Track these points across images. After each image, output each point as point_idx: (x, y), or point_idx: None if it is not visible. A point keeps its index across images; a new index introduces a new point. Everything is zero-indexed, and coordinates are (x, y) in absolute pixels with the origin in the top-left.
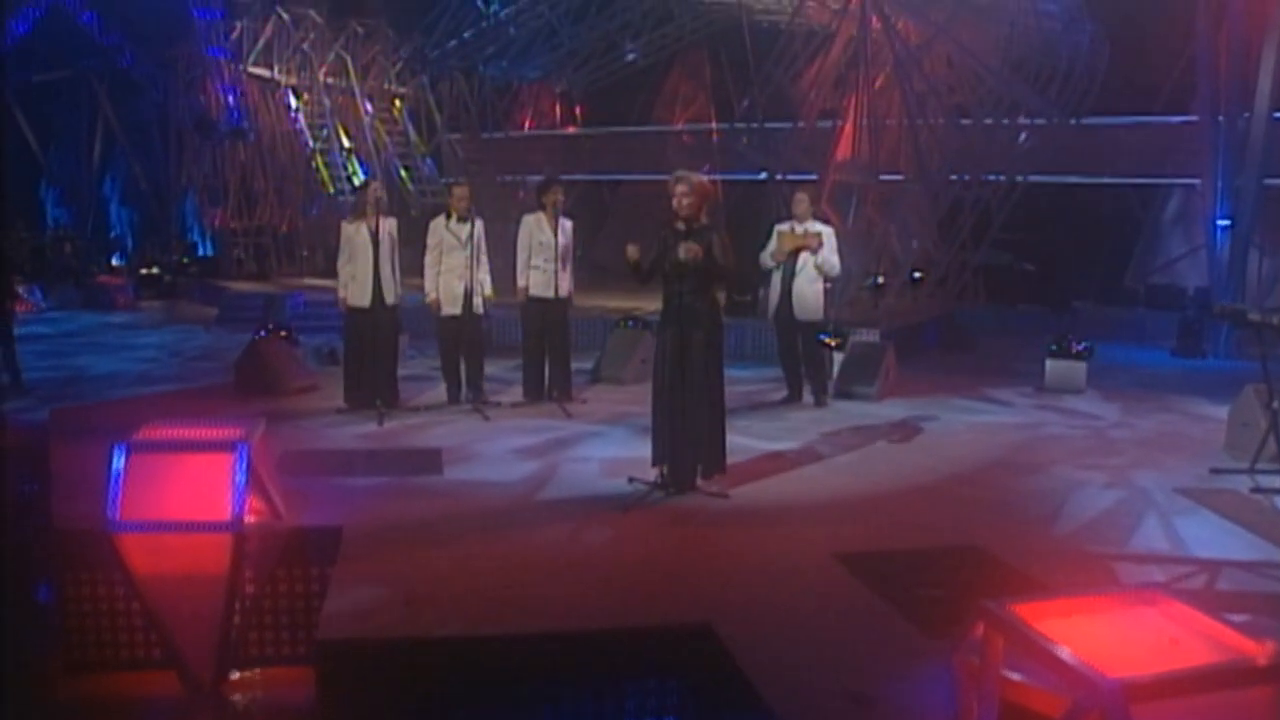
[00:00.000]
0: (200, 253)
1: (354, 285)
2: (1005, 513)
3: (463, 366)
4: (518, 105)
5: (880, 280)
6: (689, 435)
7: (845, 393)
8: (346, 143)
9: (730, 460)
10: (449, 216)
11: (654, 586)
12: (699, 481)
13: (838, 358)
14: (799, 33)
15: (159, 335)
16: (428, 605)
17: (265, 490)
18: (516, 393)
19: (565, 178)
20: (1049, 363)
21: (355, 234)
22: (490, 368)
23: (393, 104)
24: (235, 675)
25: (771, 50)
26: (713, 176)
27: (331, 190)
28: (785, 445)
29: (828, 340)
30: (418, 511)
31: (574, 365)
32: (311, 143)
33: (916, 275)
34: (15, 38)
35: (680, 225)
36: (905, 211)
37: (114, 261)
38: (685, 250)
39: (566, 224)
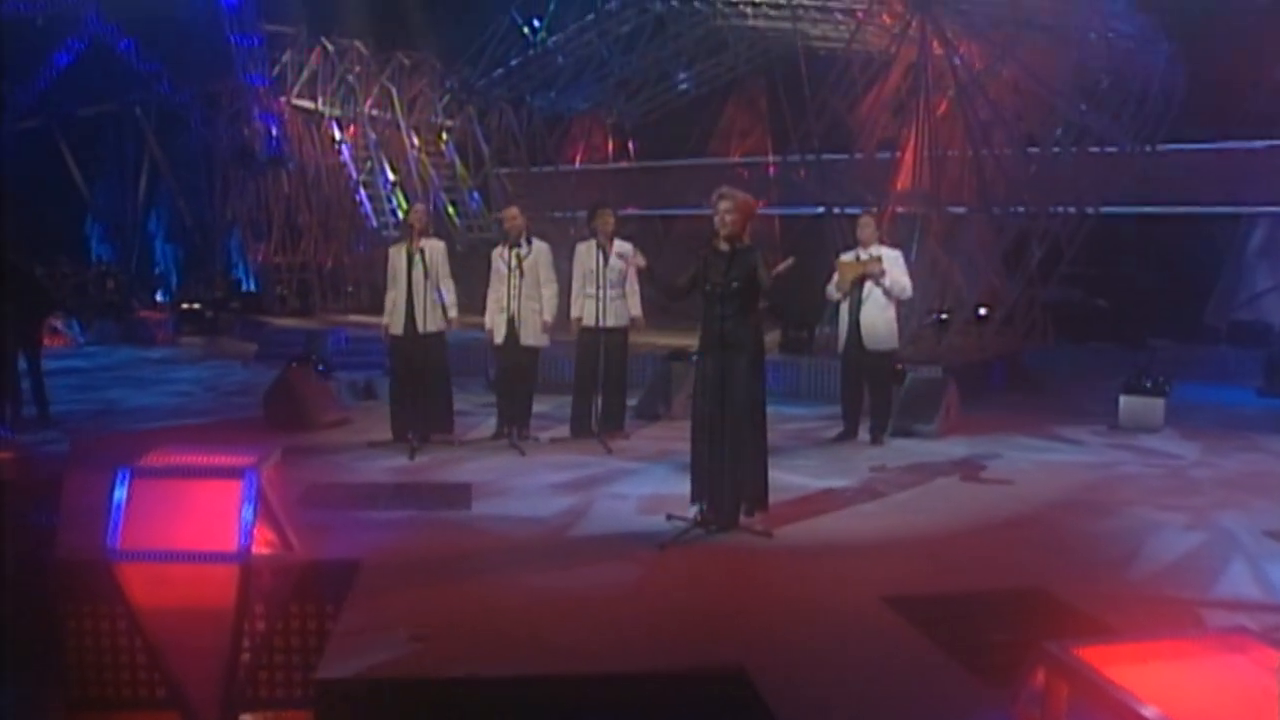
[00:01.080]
0: (244, 289)
1: (394, 312)
2: (1075, 554)
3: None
4: (569, 139)
5: (943, 317)
6: (730, 469)
7: (904, 430)
8: (392, 176)
9: (776, 498)
10: (503, 242)
11: (686, 627)
12: (741, 519)
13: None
14: (856, 59)
15: (196, 370)
16: (440, 643)
17: (277, 520)
18: (564, 430)
19: (619, 213)
20: (1123, 399)
21: (397, 257)
22: (545, 404)
23: (439, 137)
24: (244, 718)
25: (829, 78)
26: (771, 210)
27: (376, 224)
28: (836, 482)
29: (899, 368)
30: (440, 546)
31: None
32: (356, 175)
33: (981, 312)
34: (58, 70)
35: (723, 245)
36: (969, 245)
37: (158, 298)
38: (783, 268)
39: (623, 247)
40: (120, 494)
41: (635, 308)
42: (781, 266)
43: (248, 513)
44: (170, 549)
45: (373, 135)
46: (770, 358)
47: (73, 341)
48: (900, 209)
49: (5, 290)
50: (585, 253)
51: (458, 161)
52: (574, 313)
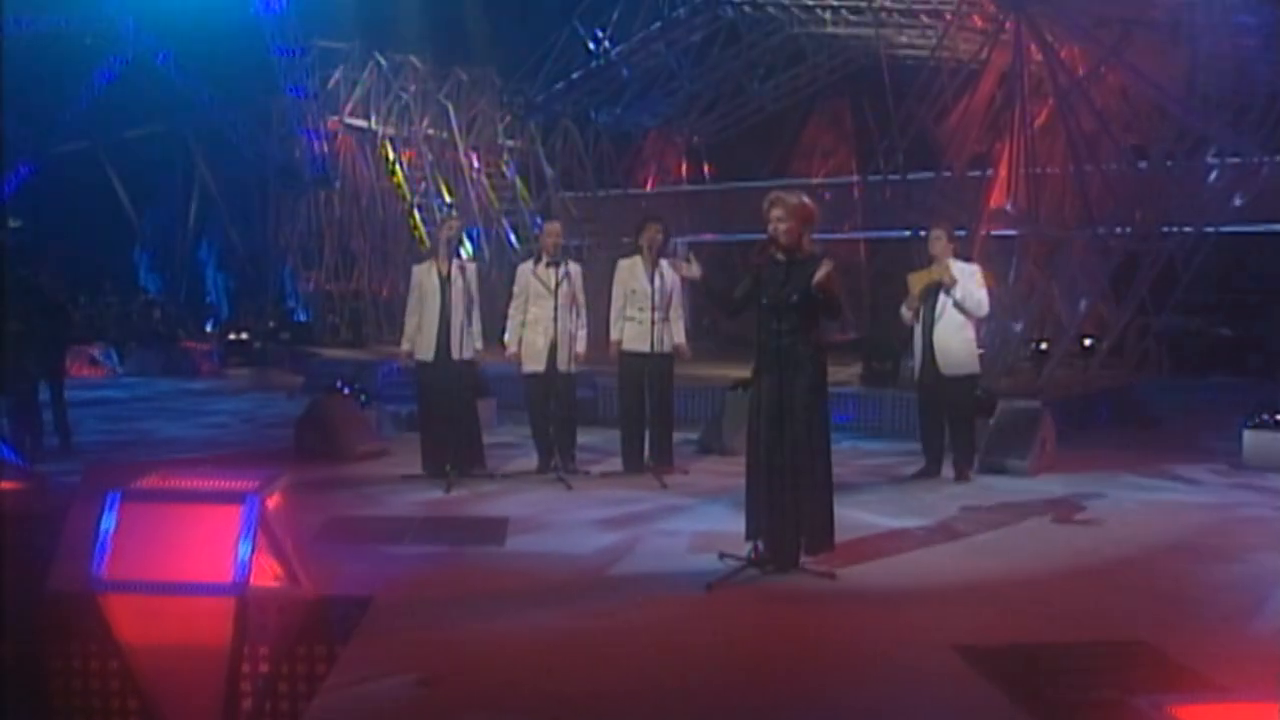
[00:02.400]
0: (297, 319)
1: (420, 336)
2: (1185, 605)
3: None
4: (640, 161)
5: (1043, 347)
6: (789, 503)
7: (992, 466)
8: (448, 198)
9: (844, 537)
10: (538, 260)
11: (728, 677)
12: (802, 559)
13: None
14: (944, 67)
15: (237, 402)
16: (446, 690)
17: (282, 552)
18: (616, 463)
19: (692, 239)
20: (1248, 434)
21: (425, 277)
22: (593, 436)
23: (500, 159)
24: None
25: (914, 89)
26: (856, 235)
27: (426, 248)
28: (913, 522)
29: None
30: (463, 584)
31: (681, 435)
32: (409, 197)
33: (1086, 342)
34: (100, 88)
35: (779, 255)
36: (1071, 269)
37: (208, 328)
38: (824, 275)
39: (668, 266)
40: (109, 520)
41: (680, 334)
42: (821, 273)
43: (246, 542)
44: (161, 580)
45: (429, 155)
46: (851, 390)
47: (110, 372)
48: (994, 230)
49: (29, 318)
50: (629, 270)
51: (519, 184)
52: (613, 335)
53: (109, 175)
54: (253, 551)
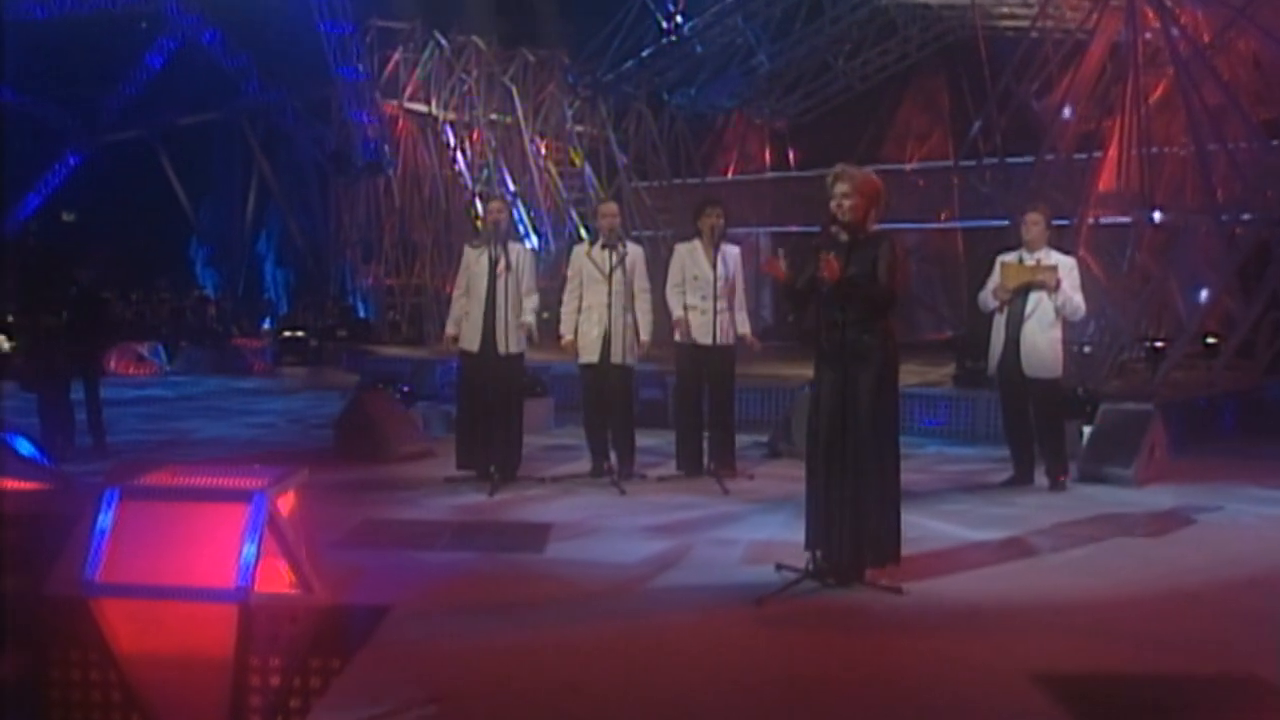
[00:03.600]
0: (360, 315)
1: (466, 324)
2: None
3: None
4: (720, 147)
5: (1158, 345)
6: (851, 509)
7: (1092, 474)
8: (513, 187)
9: (917, 549)
10: (594, 241)
11: (769, 704)
12: (867, 573)
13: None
14: (1047, 37)
15: (287, 402)
16: (459, 710)
17: (293, 555)
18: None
19: (775, 229)
20: None
21: (474, 261)
22: (659, 439)
23: (568, 144)
24: None
25: (1013, 62)
26: (954, 224)
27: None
28: (996, 534)
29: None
30: (492, 592)
31: (750, 438)
32: (471, 185)
33: (1209, 341)
34: (151, 73)
35: (841, 234)
36: (1192, 260)
37: (265, 325)
38: (824, 265)
39: (731, 251)
40: (105, 519)
41: (745, 324)
42: (822, 264)
43: (251, 544)
44: (159, 584)
45: (492, 142)
46: (943, 392)
47: (158, 370)
48: (1103, 217)
49: (64, 312)
50: (687, 255)
51: (589, 171)
52: (676, 313)
53: (163, 165)
54: (258, 554)
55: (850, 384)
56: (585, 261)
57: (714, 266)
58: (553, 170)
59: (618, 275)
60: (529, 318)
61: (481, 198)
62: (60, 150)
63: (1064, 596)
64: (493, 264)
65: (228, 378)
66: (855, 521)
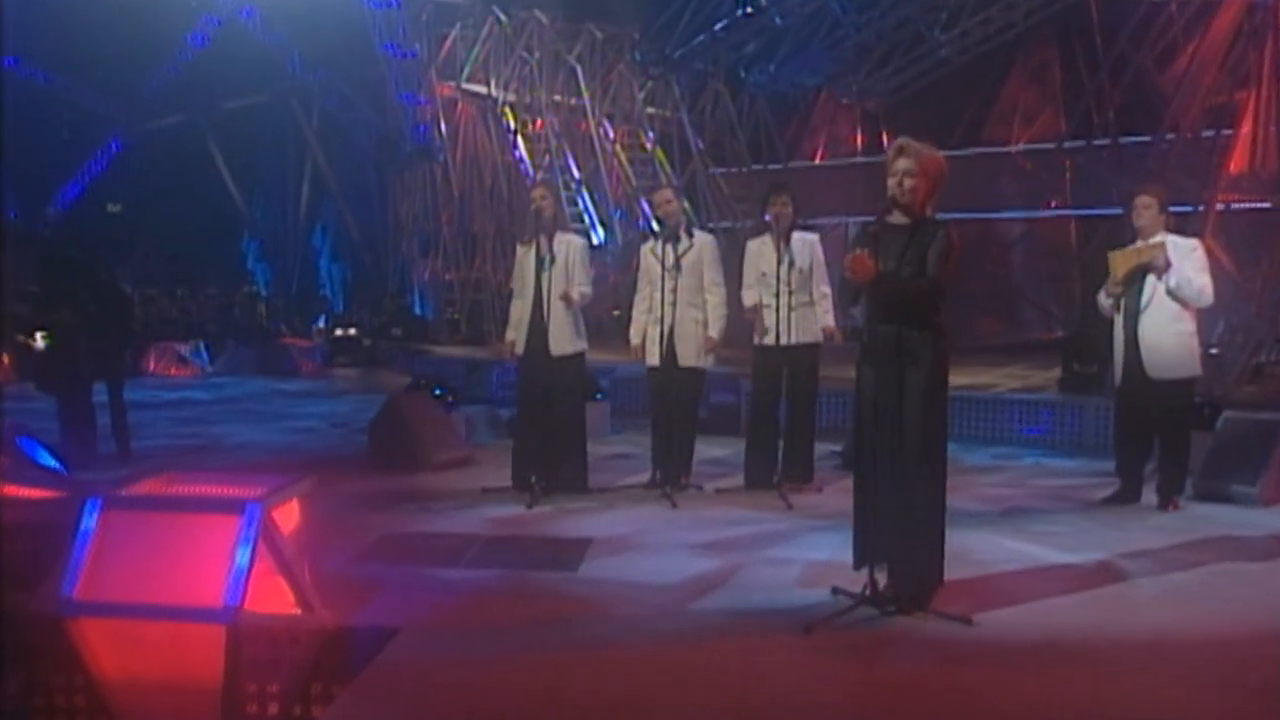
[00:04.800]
0: (418, 313)
1: (519, 327)
2: None
3: None
4: (806, 130)
5: None
6: (906, 526)
7: (1211, 492)
8: (577, 173)
9: (996, 572)
10: (658, 235)
11: None
12: (934, 599)
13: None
14: None
15: (333, 405)
16: None
17: (292, 571)
18: (741, 478)
19: (867, 219)
20: None
21: (524, 258)
22: (730, 449)
23: (639, 128)
24: None
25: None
26: (1066, 212)
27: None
28: (1091, 557)
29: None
30: (514, 614)
31: (825, 447)
32: (532, 173)
33: None
34: (193, 55)
35: (899, 218)
36: None
37: (320, 324)
38: (849, 262)
39: (806, 239)
40: (86, 532)
41: (826, 316)
42: (848, 257)
43: (243, 558)
44: (141, 603)
45: (556, 125)
46: (1047, 397)
47: (199, 371)
48: (1235, 202)
49: (85, 309)
50: (757, 252)
51: (660, 157)
52: (748, 302)
53: (211, 153)
54: (250, 570)
55: (899, 386)
56: (649, 258)
57: (780, 260)
58: (622, 156)
59: (681, 269)
60: (576, 293)
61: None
62: (100, 136)
63: (1164, 632)
64: (539, 259)
65: (273, 379)
66: (909, 540)
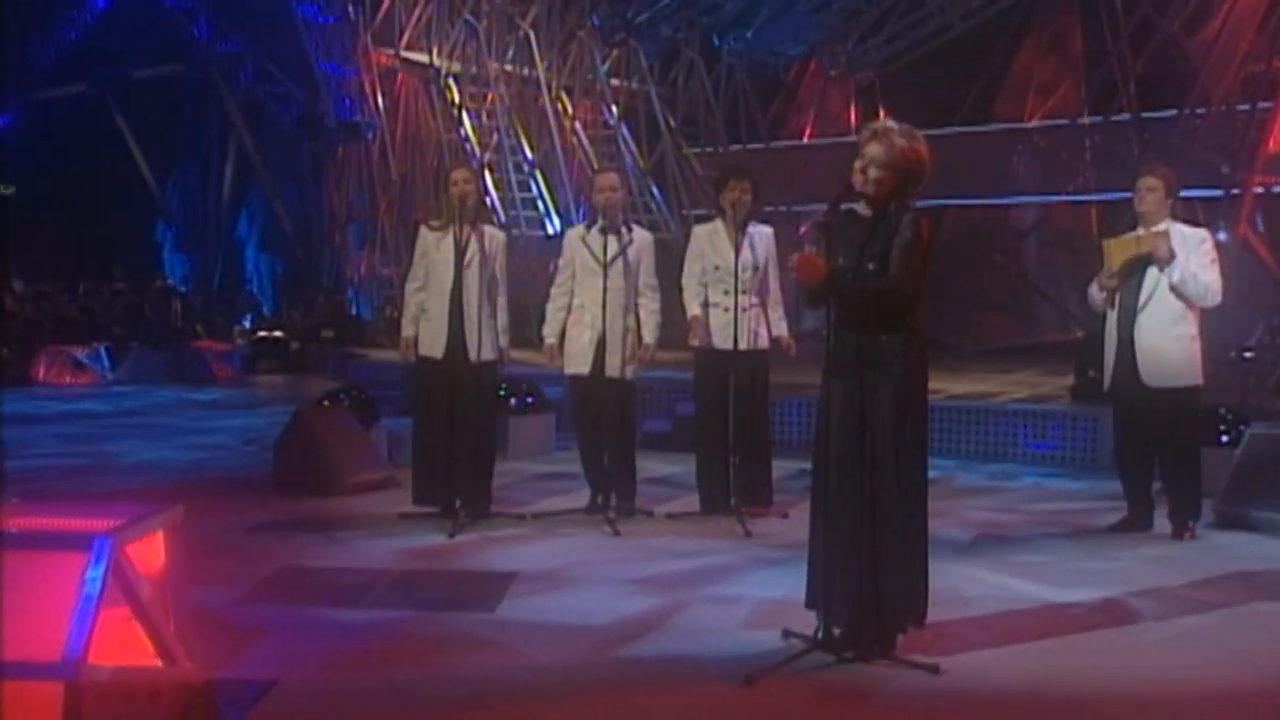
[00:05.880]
0: (355, 312)
1: (426, 323)
2: None
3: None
4: (794, 106)
5: None
6: (871, 561)
7: (1231, 518)
8: (530, 155)
9: (978, 612)
10: (590, 223)
11: None
12: (899, 644)
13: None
14: None
15: (248, 418)
16: None
17: (151, 618)
18: (695, 500)
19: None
20: None
21: (435, 247)
22: (684, 466)
23: (601, 102)
24: None
25: None
26: (1086, 197)
27: (502, 221)
28: (1089, 594)
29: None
30: (417, 663)
31: (792, 464)
32: (478, 153)
33: None
34: (96, 14)
35: (863, 209)
36: None
37: (245, 323)
38: (794, 262)
39: (762, 233)
40: None
41: (780, 323)
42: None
43: (88, 603)
44: None
45: (505, 99)
46: (1058, 408)
47: (99, 378)
48: (1276, 184)
49: None
50: (706, 240)
51: (627, 136)
52: (692, 310)
53: (119, 128)
54: (96, 616)
55: (866, 400)
56: (580, 248)
57: (738, 254)
58: (582, 134)
59: (617, 267)
60: (504, 339)
61: (490, 168)
62: None
63: (1164, 683)
64: (459, 251)
65: (184, 388)
66: (874, 576)
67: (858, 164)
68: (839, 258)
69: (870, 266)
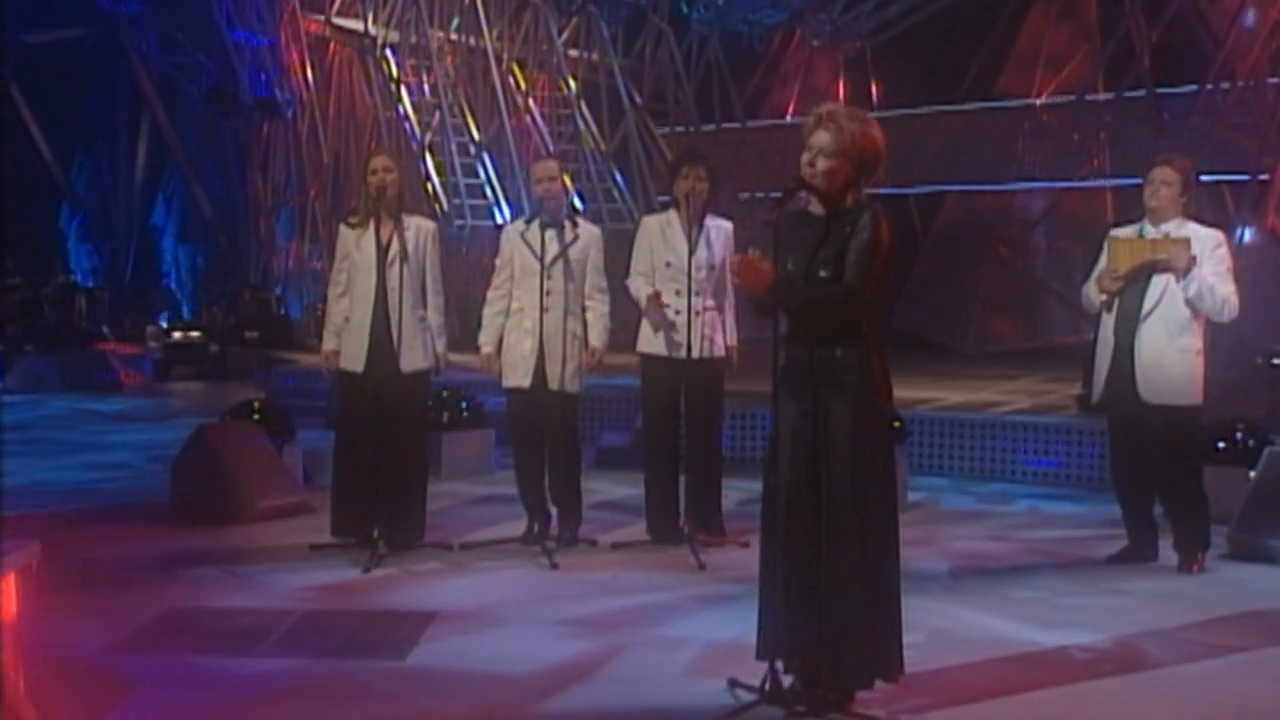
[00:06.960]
0: (282, 311)
1: (348, 333)
2: None
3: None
4: (776, 80)
5: None
6: (823, 604)
7: (1245, 549)
8: (477, 135)
9: (955, 658)
10: (531, 218)
11: None
12: (856, 698)
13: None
14: None
15: (153, 432)
16: None
17: None
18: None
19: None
20: None
21: (355, 247)
22: (633, 488)
23: (558, 77)
24: None
25: None
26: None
27: (444, 210)
28: (1082, 636)
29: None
30: None
31: (751, 485)
32: (419, 134)
33: None
34: None
35: (816, 207)
36: None
37: (161, 324)
38: (736, 266)
39: (720, 228)
40: None
41: (732, 331)
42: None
43: None
44: None
45: (449, 74)
46: (1062, 421)
47: None
48: None
49: None
50: (659, 232)
51: (587, 115)
52: (638, 296)
53: (13, 99)
54: None
55: (819, 422)
56: (518, 245)
57: (692, 249)
58: (535, 114)
59: (559, 266)
60: (441, 343)
61: (432, 150)
62: None
63: None
64: (380, 250)
65: (85, 397)
66: (830, 621)
67: (805, 155)
68: (788, 262)
69: (822, 274)
